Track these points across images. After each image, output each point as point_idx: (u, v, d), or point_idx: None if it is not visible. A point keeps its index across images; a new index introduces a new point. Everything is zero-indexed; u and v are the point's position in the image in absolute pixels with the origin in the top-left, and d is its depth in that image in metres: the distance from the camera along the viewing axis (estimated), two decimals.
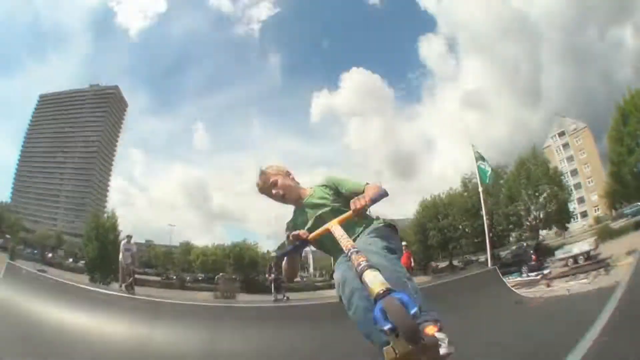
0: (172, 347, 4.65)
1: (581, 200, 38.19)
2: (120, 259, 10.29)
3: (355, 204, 1.56)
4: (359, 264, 1.12)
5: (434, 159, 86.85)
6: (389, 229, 1.75)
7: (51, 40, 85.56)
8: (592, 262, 13.86)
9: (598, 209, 35.25)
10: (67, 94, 76.74)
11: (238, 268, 35.51)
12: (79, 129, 74.51)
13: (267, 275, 14.34)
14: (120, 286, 10.22)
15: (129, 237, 10.84)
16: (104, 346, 4.38)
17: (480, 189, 15.31)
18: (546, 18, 57.53)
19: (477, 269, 16.58)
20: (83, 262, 33.40)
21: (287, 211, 1.99)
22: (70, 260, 43.91)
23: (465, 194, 28.74)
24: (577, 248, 16.06)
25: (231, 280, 31.73)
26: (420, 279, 18.12)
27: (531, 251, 18.76)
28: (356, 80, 79.34)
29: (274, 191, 1.99)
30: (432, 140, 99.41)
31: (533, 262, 16.57)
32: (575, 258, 15.31)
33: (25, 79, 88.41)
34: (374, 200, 1.59)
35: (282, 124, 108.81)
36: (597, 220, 31.75)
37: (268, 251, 37.43)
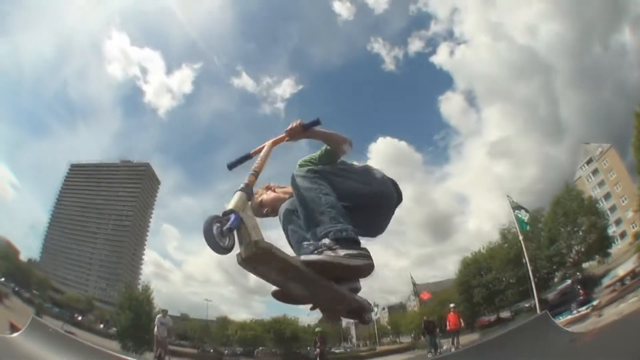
0: None
1: (618, 222, 36.42)
2: (155, 332, 10.37)
3: (289, 126, 1.73)
4: (242, 184, 1.40)
5: (469, 216, 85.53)
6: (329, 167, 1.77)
7: (80, 111, 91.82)
8: (639, 278, 13.64)
9: (635, 224, 33.53)
10: (99, 166, 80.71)
11: (279, 342, 34.41)
12: (112, 201, 77.36)
13: (311, 349, 14.04)
14: (155, 358, 10.37)
15: (165, 311, 10.96)
16: None
17: (520, 237, 15.25)
18: (551, 47, 59.21)
19: (526, 316, 16.12)
20: (115, 329, 32.58)
21: None
22: (102, 325, 43.09)
23: (506, 245, 28.28)
24: (622, 269, 15.96)
25: (272, 355, 30.68)
26: (470, 337, 17.33)
27: (578, 286, 17.94)
28: (383, 149, 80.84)
29: (264, 211, 1.97)
30: (465, 197, 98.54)
31: (581, 297, 15.86)
32: (621, 280, 14.99)
33: (54, 145, 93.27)
34: (306, 125, 1.72)
35: None
36: (636, 236, 30.05)
37: (309, 325, 36.17)
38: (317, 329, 20.04)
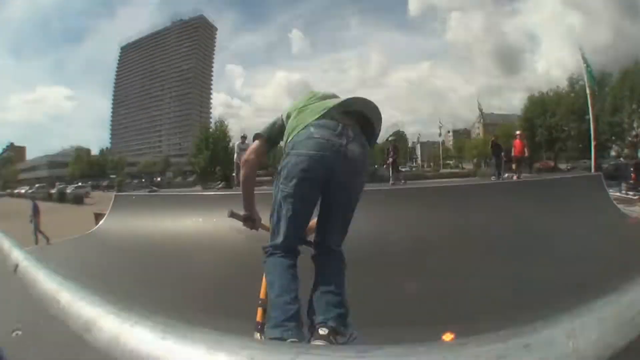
0: None
1: None
2: (235, 159, 10.09)
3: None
4: None
5: (538, 57, 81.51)
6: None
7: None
8: None
9: None
10: (150, 35, 79.78)
11: None
12: (169, 63, 77.95)
13: (385, 159, 14.29)
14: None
15: (244, 137, 10.45)
16: (222, 244, 4.69)
17: (587, 92, 15.48)
18: None
19: (582, 172, 16.10)
20: (193, 176, 35.71)
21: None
22: (180, 177, 46.56)
23: (572, 94, 27.81)
24: None
25: None
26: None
27: (631, 169, 16.32)
28: None
29: None
30: (535, 37, 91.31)
31: (632, 181, 14.67)
32: None
33: (99, 41, 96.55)
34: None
35: (380, 19, 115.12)
36: None
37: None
38: (390, 138, 21.59)
